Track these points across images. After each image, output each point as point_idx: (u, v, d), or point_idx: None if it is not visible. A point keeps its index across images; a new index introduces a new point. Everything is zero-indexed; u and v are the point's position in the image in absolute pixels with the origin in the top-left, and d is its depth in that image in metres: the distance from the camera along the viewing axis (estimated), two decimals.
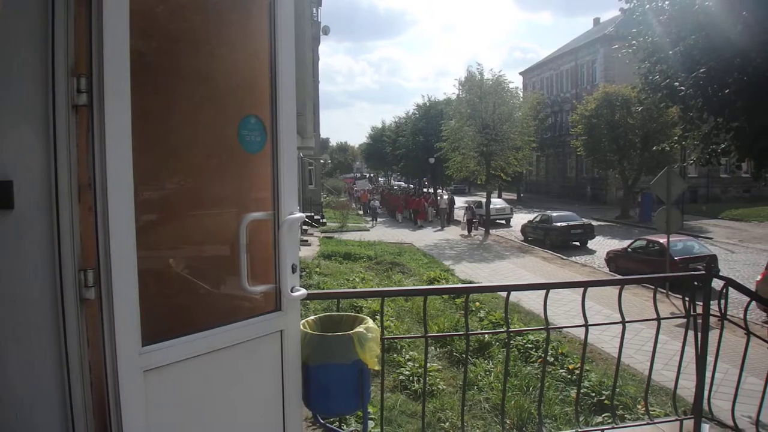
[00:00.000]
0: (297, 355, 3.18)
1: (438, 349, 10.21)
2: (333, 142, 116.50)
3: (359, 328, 3.30)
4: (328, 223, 40.36)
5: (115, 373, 2.41)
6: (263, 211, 3.00)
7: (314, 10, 39.96)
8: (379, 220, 46.97)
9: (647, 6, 11.69)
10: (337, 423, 4.99)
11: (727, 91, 9.90)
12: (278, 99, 3.03)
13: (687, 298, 5.09)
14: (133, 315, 2.44)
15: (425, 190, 61.82)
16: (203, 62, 2.93)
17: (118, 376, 2.40)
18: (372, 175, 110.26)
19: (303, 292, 3.08)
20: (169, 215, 2.83)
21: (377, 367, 3.41)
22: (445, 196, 47.16)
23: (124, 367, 2.41)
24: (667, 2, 11.40)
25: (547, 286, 4.76)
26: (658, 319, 4.92)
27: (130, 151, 2.43)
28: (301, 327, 3.31)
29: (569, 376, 9.07)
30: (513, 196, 62.57)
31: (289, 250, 3.02)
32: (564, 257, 26.34)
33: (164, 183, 2.80)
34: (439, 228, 40.62)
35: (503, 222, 42.50)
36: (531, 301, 14.23)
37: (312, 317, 3.59)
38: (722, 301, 5.03)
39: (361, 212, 55.20)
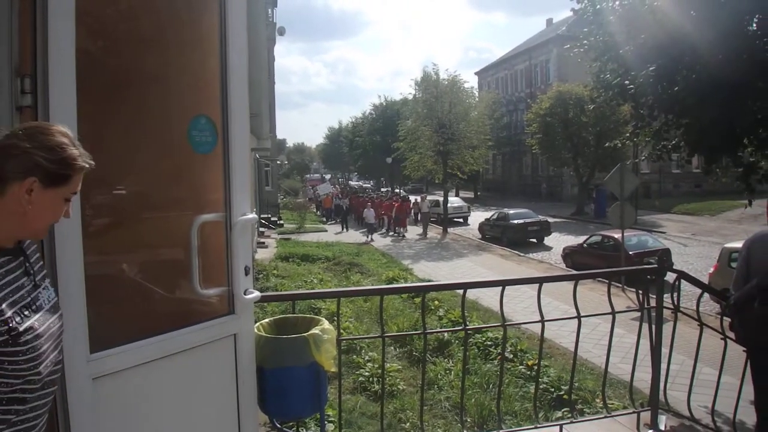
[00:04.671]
0: (251, 359, 3.13)
1: (398, 349, 10.22)
2: (290, 143, 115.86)
3: (314, 330, 3.26)
4: (285, 225, 40.11)
5: (62, 382, 2.34)
6: (215, 213, 2.94)
7: (270, 10, 39.75)
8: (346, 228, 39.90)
9: (598, 6, 11.83)
10: (295, 427, 4.93)
11: (676, 88, 10.05)
12: (229, 99, 2.98)
13: (641, 292, 5.18)
14: (80, 321, 2.37)
15: (397, 191, 58.16)
16: (152, 62, 2.87)
17: (66, 385, 2.34)
18: (336, 176, 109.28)
19: (256, 294, 3.04)
20: (119, 218, 2.77)
21: (334, 369, 3.38)
22: (429, 198, 40.09)
23: (71, 374, 2.35)
24: (617, 2, 11.56)
25: (503, 283, 4.77)
26: (613, 313, 4.99)
27: None
28: (256, 330, 3.26)
29: (529, 372, 9.13)
30: (470, 195, 62.99)
31: (241, 252, 2.98)
32: (521, 254, 26.56)
33: (113, 185, 2.73)
34: (422, 235, 35.44)
35: (461, 220, 42.71)
36: (489, 298, 14.25)
37: (267, 320, 3.55)
38: (675, 294, 5.13)
39: (324, 219, 48.77)
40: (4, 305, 1.73)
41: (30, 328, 1.79)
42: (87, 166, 1.94)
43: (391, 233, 37.39)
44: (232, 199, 2.96)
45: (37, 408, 1.86)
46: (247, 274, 3.00)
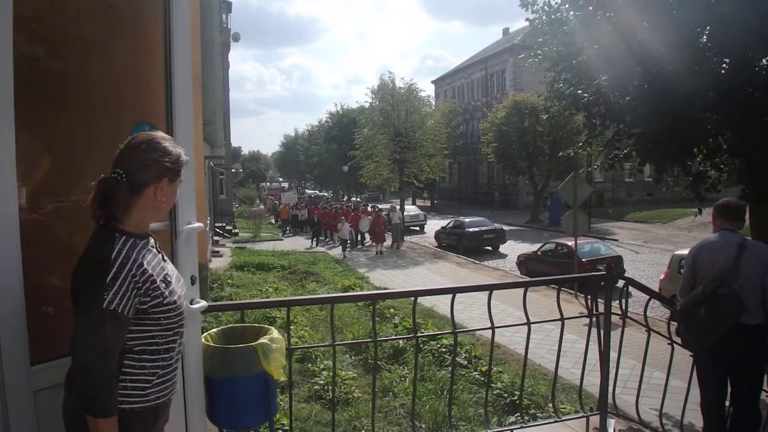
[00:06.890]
0: (199, 369, 3.09)
1: (353, 357, 10.18)
2: (245, 151, 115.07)
3: (263, 339, 3.24)
4: (240, 234, 39.72)
5: (2, 395, 2.29)
6: (160, 222, 2.89)
7: (224, 16, 39.45)
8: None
9: (552, 17, 11.97)
10: None
11: (628, 98, 10.22)
12: (174, 105, 2.94)
13: (590, 298, 5.26)
14: (20, 333, 2.32)
15: (355, 199, 57.11)
16: (92, 68, 2.83)
17: (6, 398, 2.29)
18: (292, 184, 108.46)
19: (203, 304, 3.00)
20: (59, 228, 2.71)
21: (283, 378, 3.36)
22: (398, 208, 36.96)
23: (11, 388, 2.30)
24: (570, 13, 11.72)
25: (454, 290, 4.80)
26: (562, 319, 5.06)
27: (13, 161, 2.32)
28: (203, 340, 3.23)
29: (482, 378, 9.14)
30: (427, 203, 63.23)
31: (187, 261, 2.94)
32: (477, 262, 26.69)
33: (52, 194, 2.67)
34: (392, 247, 32.80)
35: (417, 228, 42.68)
36: (445, 306, 14.11)
37: (215, 330, 3.51)
38: (623, 300, 5.24)
39: (281, 231, 45.65)
40: (154, 274, 2.30)
41: (173, 291, 2.39)
42: (187, 159, 2.52)
43: (361, 247, 34.20)
44: (177, 208, 2.92)
45: (178, 356, 2.50)
46: (193, 283, 2.97)
